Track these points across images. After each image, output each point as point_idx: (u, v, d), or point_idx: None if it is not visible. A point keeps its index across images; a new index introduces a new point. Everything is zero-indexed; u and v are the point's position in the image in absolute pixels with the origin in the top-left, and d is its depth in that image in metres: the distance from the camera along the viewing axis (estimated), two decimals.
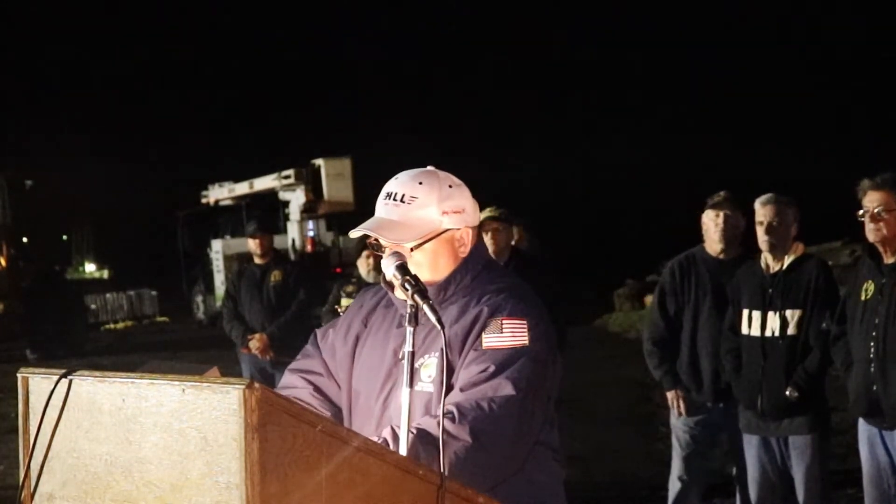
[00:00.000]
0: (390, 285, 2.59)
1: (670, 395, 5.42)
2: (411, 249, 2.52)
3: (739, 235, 5.30)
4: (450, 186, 2.56)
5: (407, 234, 2.51)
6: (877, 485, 4.47)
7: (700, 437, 5.37)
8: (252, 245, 8.13)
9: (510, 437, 2.37)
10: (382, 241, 2.53)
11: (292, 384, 2.70)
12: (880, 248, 4.40)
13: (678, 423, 5.43)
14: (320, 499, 1.91)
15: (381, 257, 2.55)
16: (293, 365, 2.78)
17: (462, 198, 2.58)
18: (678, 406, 5.37)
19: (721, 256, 5.30)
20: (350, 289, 7.08)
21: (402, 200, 2.53)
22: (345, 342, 2.70)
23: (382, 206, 2.56)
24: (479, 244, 2.65)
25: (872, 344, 4.35)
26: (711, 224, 5.31)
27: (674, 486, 5.46)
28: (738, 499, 5.43)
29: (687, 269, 5.36)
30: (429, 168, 2.61)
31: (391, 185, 2.57)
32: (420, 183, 2.54)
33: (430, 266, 2.54)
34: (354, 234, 2.58)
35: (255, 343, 7.80)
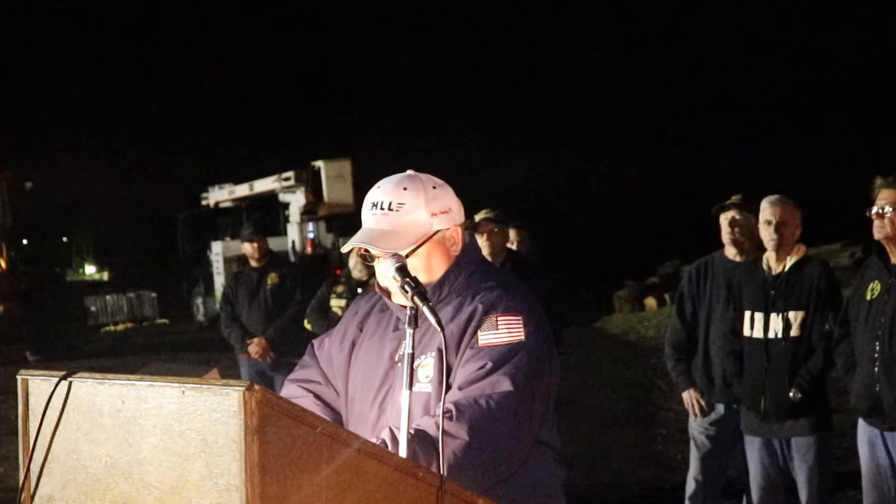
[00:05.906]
0: (386, 291, 2.59)
1: (685, 396, 5.43)
2: (406, 256, 2.50)
3: (755, 238, 5.26)
4: (434, 188, 2.56)
5: (400, 242, 2.50)
6: (876, 486, 4.46)
7: (717, 439, 5.37)
8: (248, 249, 8.10)
9: (508, 434, 2.36)
10: (375, 252, 2.52)
11: (293, 394, 2.70)
12: (887, 248, 4.40)
13: (695, 425, 5.45)
14: (320, 500, 1.91)
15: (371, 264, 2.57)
16: (292, 376, 2.79)
17: (447, 197, 2.58)
18: (694, 407, 5.39)
19: (737, 259, 5.30)
20: (340, 289, 7.09)
21: (389, 208, 2.51)
22: (341, 349, 2.70)
23: (371, 217, 2.54)
24: (470, 242, 2.65)
25: (878, 344, 4.33)
26: (723, 228, 5.32)
27: (689, 486, 5.49)
28: (745, 500, 5.44)
29: (704, 272, 5.40)
30: (409, 172, 2.60)
31: (375, 195, 2.55)
32: (405, 188, 2.53)
33: (426, 269, 2.53)
34: (347, 248, 2.58)
35: (254, 348, 7.77)
